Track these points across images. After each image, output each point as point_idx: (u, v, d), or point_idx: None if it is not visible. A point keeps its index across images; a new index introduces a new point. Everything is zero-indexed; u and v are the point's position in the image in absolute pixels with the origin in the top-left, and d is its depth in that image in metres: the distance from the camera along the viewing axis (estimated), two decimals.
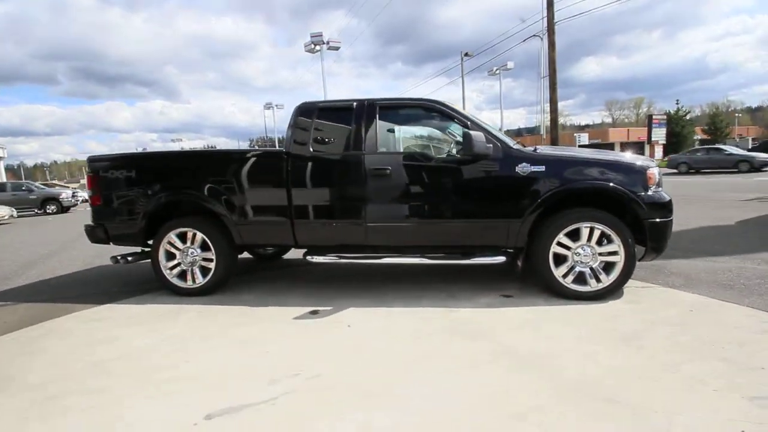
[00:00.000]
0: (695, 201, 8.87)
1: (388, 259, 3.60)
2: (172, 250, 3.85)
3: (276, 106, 42.92)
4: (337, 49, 26.07)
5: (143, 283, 4.40)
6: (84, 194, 26.09)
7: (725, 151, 21.18)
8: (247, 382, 2.24)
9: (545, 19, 15.72)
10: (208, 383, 2.25)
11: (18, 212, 15.45)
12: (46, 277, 5.07)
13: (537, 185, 3.25)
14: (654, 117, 30.92)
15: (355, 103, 3.63)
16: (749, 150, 23.82)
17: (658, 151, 29.37)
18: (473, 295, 3.51)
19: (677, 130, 40.39)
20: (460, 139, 3.54)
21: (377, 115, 3.58)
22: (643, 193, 3.18)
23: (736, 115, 61.17)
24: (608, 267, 3.24)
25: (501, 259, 3.40)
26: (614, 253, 3.19)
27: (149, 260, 3.97)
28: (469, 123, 3.44)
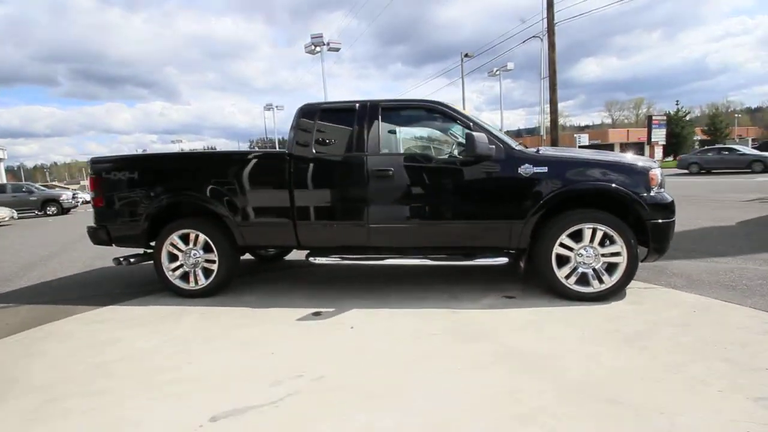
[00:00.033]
0: (695, 201, 8.87)
1: (390, 260, 3.61)
2: (175, 251, 3.85)
3: (276, 107, 42.95)
4: (337, 50, 26.10)
5: (145, 285, 4.40)
6: (84, 196, 26.13)
7: (738, 151, 20.53)
8: (251, 383, 2.24)
9: (545, 20, 15.75)
10: (212, 385, 2.25)
11: (18, 213, 15.44)
12: (48, 278, 5.07)
13: (539, 186, 3.25)
14: (654, 118, 30.97)
15: (357, 105, 3.64)
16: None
17: (658, 152, 29.39)
18: (475, 296, 3.51)
19: (677, 130, 40.43)
20: (462, 140, 3.54)
21: (380, 117, 3.58)
22: (645, 194, 3.18)
23: (736, 115, 61.17)
24: (611, 268, 3.24)
25: (503, 260, 3.41)
26: (617, 254, 3.20)
27: (151, 262, 3.98)
28: (471, 124, 3.45)
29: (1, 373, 2.55)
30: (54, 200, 18.17)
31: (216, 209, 3.75)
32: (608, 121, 75.36)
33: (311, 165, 3.62)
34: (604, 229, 3.19)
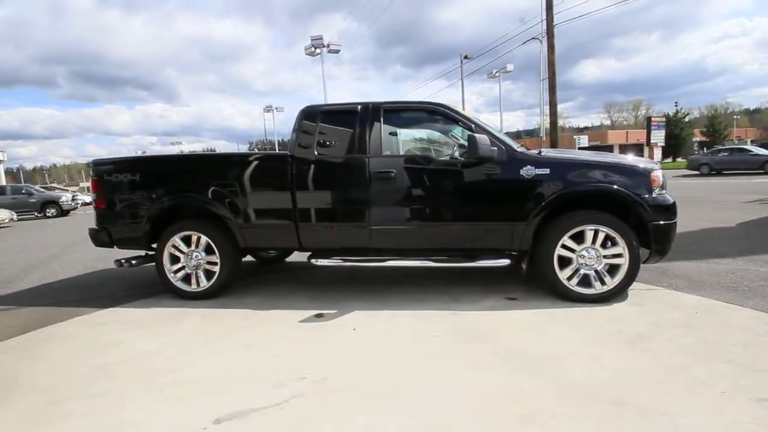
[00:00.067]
0: (695, 203, 8.89)
1: (392, 261, 3.61)
2: (177, 253, 3.85)
3: (276, 109, 42.98)
4: (337, 52, 26.16)
5: (146, 287, 4.40)
6: (83, 198, 26.09)
7: (750, 151, 20.09)
8: (254, 385, 2.24)
9: (544, 22, 15.80)
10: (215, 387, 2.25)
11: (17, 215, 15.42)
12: (49, 280, 5.06)
13: (541, 188, 3.26)
14: (653, 119, 30.96)
15: (359, 107, 3.65)
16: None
17: (657, 153, 29.40)
18: (477, 298, 3.51)
19: (676, 132, 40.51)
20: (464, 142, 3.55)
21: (382, 119, 3.59)
22: (647, 196, 3.19)
23: (735, 117, 61.37)
24: (613, 269, 3.24)
25: (505, 261, 3.41)
26: (619, 255, 3.20)
27: (153, 264, 3.98)
28: (473, 126, 3.46)
29: (4, 375, 2.55)
30: (53, 202, 18.17)
31: (218, 211, 3.76)
32: (607, 122, 75.61)
33: (313, 167, 3.63)
34: (606, 230, 3.20)
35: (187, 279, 3.88)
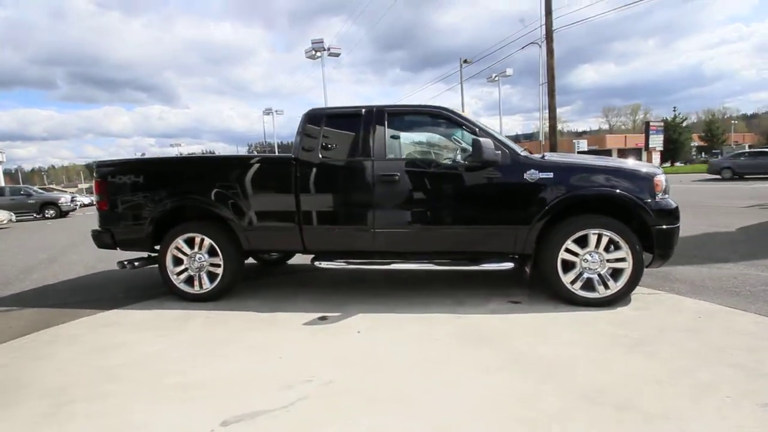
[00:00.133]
0: (693, 208, 8.92)
1: (395, 265, 3.61)
2: (180, 255, 3.85)
3: (276, 111, 43.00)
4: (337, 55, 26.21)
5: (148, 289, 4.39)
6: (82, 199, 26.01)
7: None
8: (260, 388, 2.24)
9: (544, 27, 15.88)
10: (221, 389, 2.25)
11: (16, 216, 15.38)
12: (50, 282, 5.05)
13: (545, 192, 3.27)
14: (651, 124, 31.19)
15: (363, 110, 3.66)
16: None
17: (656, 158, 29.56)
18: (481, 301, 3.52)
19: (674, 136, 40.75)
20: (467, 145, 3.57)
21: (386, 122, 3.60)
22: (650, 200, 3.21)
23: (732, 122, 61.70)
24: (616, 273, 3.25)
25: (509, 265, 3.42)
26: (622, 259, 3.21)
27: (155, 265, 3.97)
28: (477, 130, 3.48)
29: (9, 376, 2.54)
30: (53, 203, 18.13)
31: (222, 213, 3.76)
32: (605, 126, 75.89)
33: (317, 170, 3.63)
34: (609, 234, 3.21)
35: (189, 281, 3.87)
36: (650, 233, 3.21)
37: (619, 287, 3.23)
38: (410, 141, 4.22)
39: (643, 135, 32.54)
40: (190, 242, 3.83)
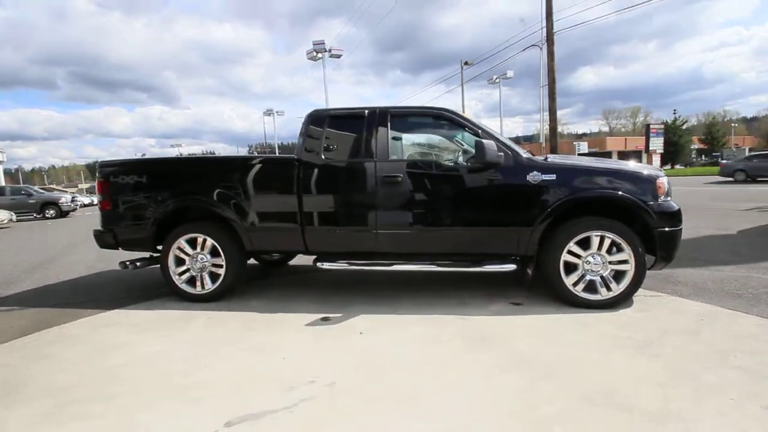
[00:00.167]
0: (694, 210, 8.92)
1: (397, 266, 3.61)
2: (182, 255, 3.85)
3: (276, 112, 43.01)
4: (339, 57, 26.23)
5: (149, 289, 4.39)
6: (82, 199, 25.99)
7: None
8: (264, 388, 2.24)
9: (544, 29, 15.92)
10: (224, 390, 2.25)
11: (17, 216, 15.38)
12: (51, 281, 5.05)
13: (548, 194, 3.28)
14: (651, 126, 31.19)
15: (366, 111, 3.67)
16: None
17: (656, 160, 29.57)
18: (483, 303, 3.52)
19: (674, 139, 40.82)
20: (469, 147, 3.57)
21: (389, 123, 3.61)
22: (652, 202, 3.21)
23: (732, 125, 61.81)
24: (618, 275, 3.26)
25: (511, 267, 3.42)
26: (624, 261, 3.21)
27: (157, 266, 3.97)
28: (480, 131, 3.48)
29: (10, 375, 2.53)
30: (53, 203, 18.14)
31: (224, 213, 3.76)
32: (605, 129, 76.02)
33: (320, 171, 3.64)
34: (611, 236, 3.21)
35: (191, 281, 3.87)
36: (653, 235, 3.21)
37: (622, 289, 3.23)
38: (413, 142, 4.22)
39: (643, 137, 32.55)
40: (192, 242, 3.83)
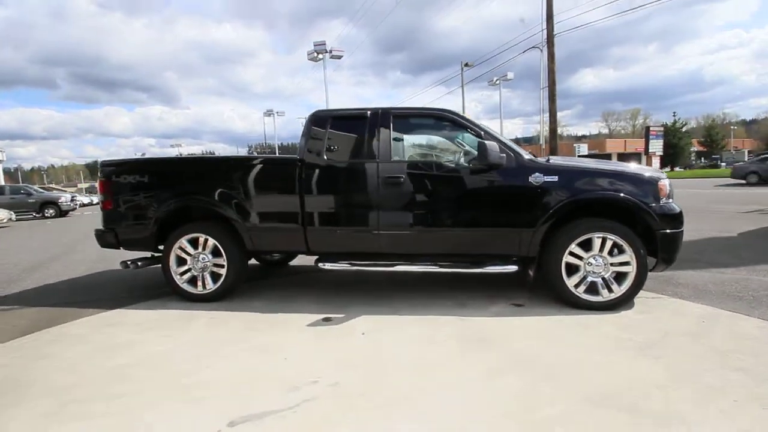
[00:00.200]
0: (694, 212, 8.94)
1: (399, 266, 3.61)
2: (183, 255, 3.84)
3: (277, 113, 43.01)
4: (339, 57, 26.23)
5: (150, 289, 4.39)
6: (82, 199, 25.96)
7: None
8: (266, 389, 2.24)
9: (545, 31, 15.94)
10: (226, 390, 2.24)
11: (16, 215, 15.36)
12: (51, 281, 5.04)
13: (550, 195, 3.28)
14: (651, 128, 31.22)
15: (369, 112, 3.67)
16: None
17: (656, 163, 29.60)
18: (484, 304, 3.52)
19: (674, 141, 40.89)
20: (471, 149, 3.58)
21: (391, 124, 3.61)
22: (654, 204, 3.22)
23: (732, 127, 61.93)
24: (620, 277, 3.26)
25: (513, 268, 3.42)
26: (626, 263, 3.22)
27: (158, 265, 3.97)
28: (482, 133, 3.49)
29: (11, 375, 2.53)
30: (52, 203, 18.12)
31: (226, 213, 3.76)
32: (605, 131, 76.13)
33: (323, 171, 3.64)
34: (613, 238, 3.21)
35: (193, 281, 3.87)
36: (654, 237, 3.22)
37: (623, 291, 3.23)
38: (415, 143, 4.23)
39: (643, 139, 32.59)
40: (193, 242, 3.83)
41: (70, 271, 5.54)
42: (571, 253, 3.28)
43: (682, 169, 43.08)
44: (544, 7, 15.65)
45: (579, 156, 34.60)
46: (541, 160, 3.48)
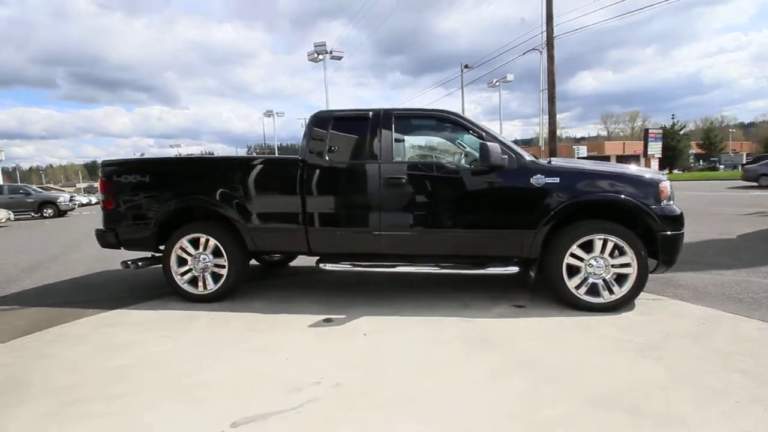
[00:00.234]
0: (694, 215, 8.96)
1: (400, 267, 3.62)
2: (184, 255, 3.84)
3: (276, 113, 43.00)
4: (340, 58, 26.21)
5: (151, 289, 4.38)
6: (81, 198, 25.91)
7: None
8: (268, 389, 2.23)
9: (545, 34, 15.99)
10: (228, 390, 2.24)
11: (14, 215, 15.32)
12: (51, 281, 5.03)
13: (551, 197, 3.29)
14: (650, 131, 31.35)
15: (371, 113, 3.68)
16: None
17: (654, 165, 29.70)
18: (485, 305, 3.52)
19: (673, 144, 41.02)
20: (472, 150, 3.58)
21: (393, 125, 3.62)
22: (655, 206, 3.23)
23: (730, 130, 62.15)
24: (621, 279, 3.27)
25: (514, 269, 3.43)
26: (627, 265, 3.23)
27: (159, 265, 3.97)
28: (484, 134, 3.50)
29: (12, 375, 2.52)
30: (51, 202, 18.09)
31: (227, 214, 3.76)
32: (604, 133, 76.30)
33: (325, 172, 3.64)
34: (614, 240, 3.22)
35: (193, 281, 3.86)
36: (655, 239, 3.23)
37: (624, 292, 3.24)
38: (417, 144, 4.23)
39: (641, 142, 32.72)
40: (194, 242, 3.83)
41: (70, 271, 5.52)
42: (573, 255, 3.29)
43: (681, 172, 43.20)
44: (544, 9, 15.72)
45: (578, 158, 34.65)
46: (543, 161, 3.49)
